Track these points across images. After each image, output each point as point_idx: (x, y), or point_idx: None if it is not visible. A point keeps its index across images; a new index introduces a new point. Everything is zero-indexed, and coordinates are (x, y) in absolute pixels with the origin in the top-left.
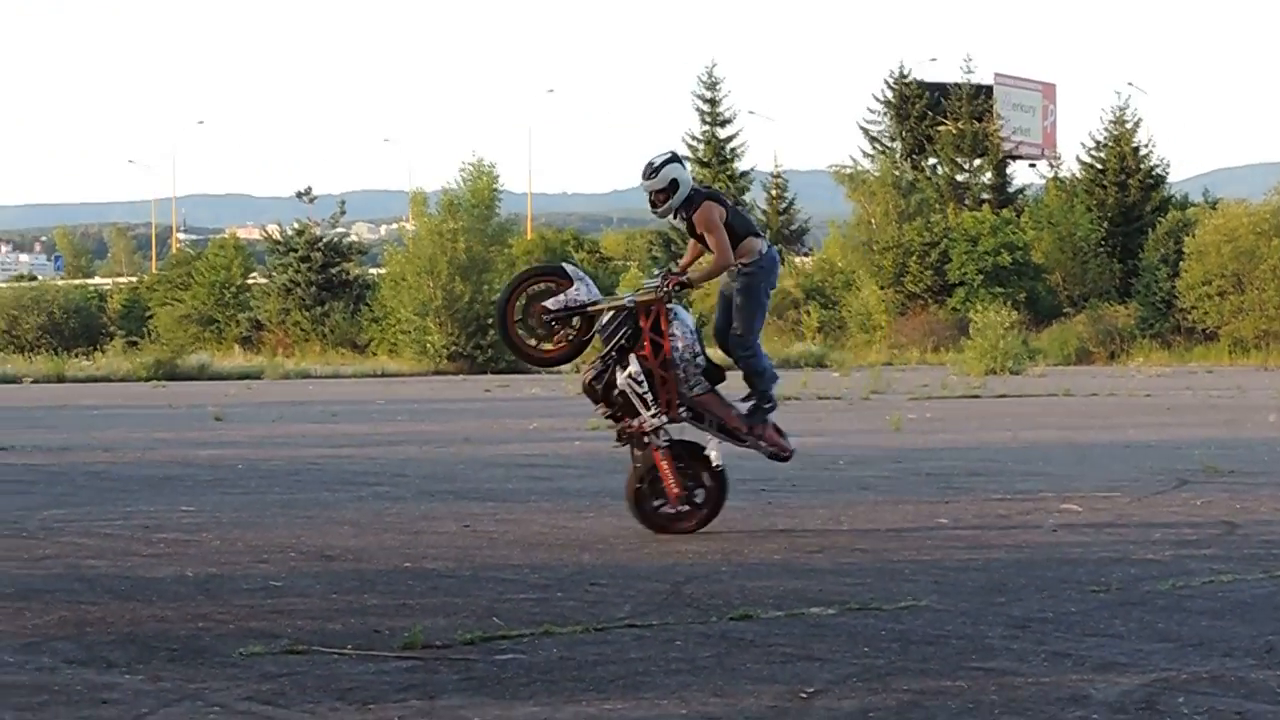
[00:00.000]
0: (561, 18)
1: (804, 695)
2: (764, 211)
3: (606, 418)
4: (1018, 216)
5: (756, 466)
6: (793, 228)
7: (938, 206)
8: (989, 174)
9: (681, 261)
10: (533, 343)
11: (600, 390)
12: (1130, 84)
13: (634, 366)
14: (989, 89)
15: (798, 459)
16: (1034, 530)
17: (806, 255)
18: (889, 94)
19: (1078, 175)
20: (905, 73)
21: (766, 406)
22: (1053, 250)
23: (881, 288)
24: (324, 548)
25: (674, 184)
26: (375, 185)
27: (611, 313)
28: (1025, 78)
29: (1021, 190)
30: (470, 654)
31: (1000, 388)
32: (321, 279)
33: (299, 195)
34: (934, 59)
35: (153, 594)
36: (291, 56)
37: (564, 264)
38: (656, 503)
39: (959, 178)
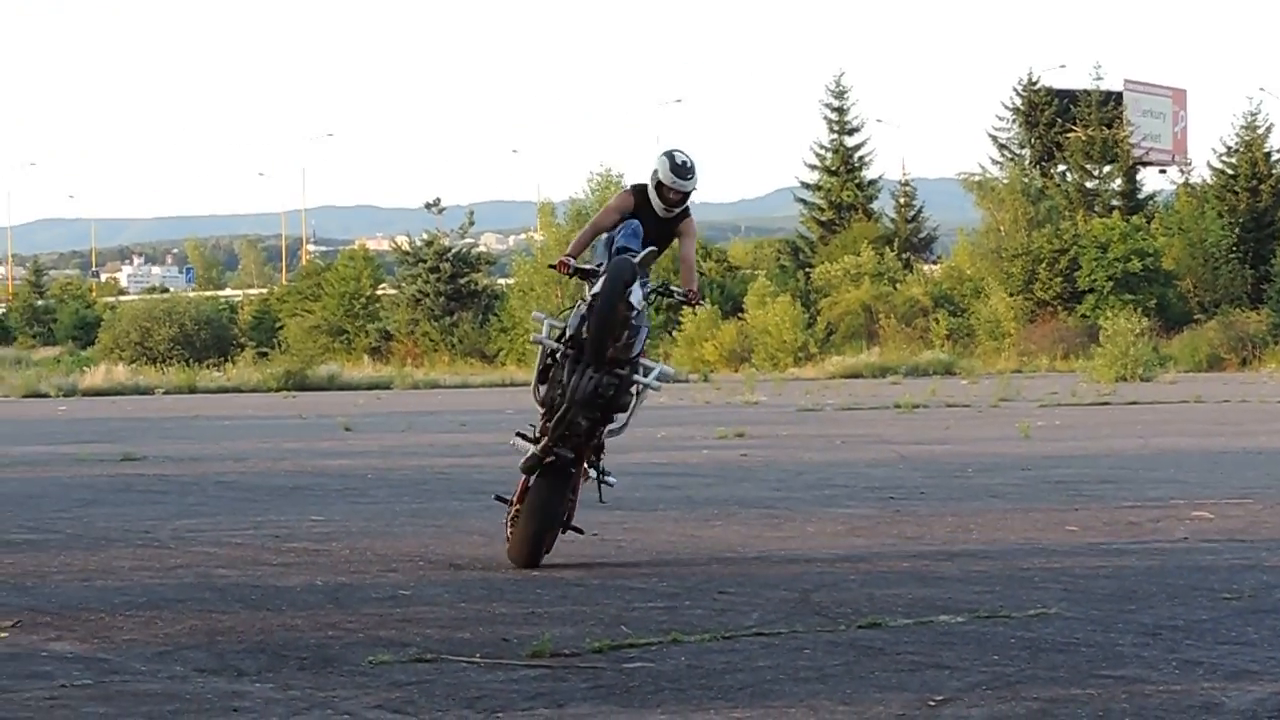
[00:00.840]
0: (690, 27)
1: (932, 703)
2: (892, 219)
3: (562, 436)
4: (1148, 223)
5: (884, 475)
6: (921, 235)
7: (1067, 213)
8: (1119, 180)
9: (572, 248)
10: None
11: (613, 400)
12: (1262, 89)
13: (660, 368)
14: (1119, 95)
15: (926, 466)
16: (1165, 537)
17: (935, 263)
18: (1018, 101)
19: (1208, 181)
20: (1034, 80)
21: None
22: (1183, 257)
23: (1010, 295)
24: (452, 557)
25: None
26: (503, 196)
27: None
28: (1155, 84)
29: (1151, 197)
30: (598, 662)
31: (1131, 395)
32: (450, 289)
33: (428, 206)
34: (1063, 65)
35: (283, 603)
36: (420, 68)
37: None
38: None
39: (1088, 184)
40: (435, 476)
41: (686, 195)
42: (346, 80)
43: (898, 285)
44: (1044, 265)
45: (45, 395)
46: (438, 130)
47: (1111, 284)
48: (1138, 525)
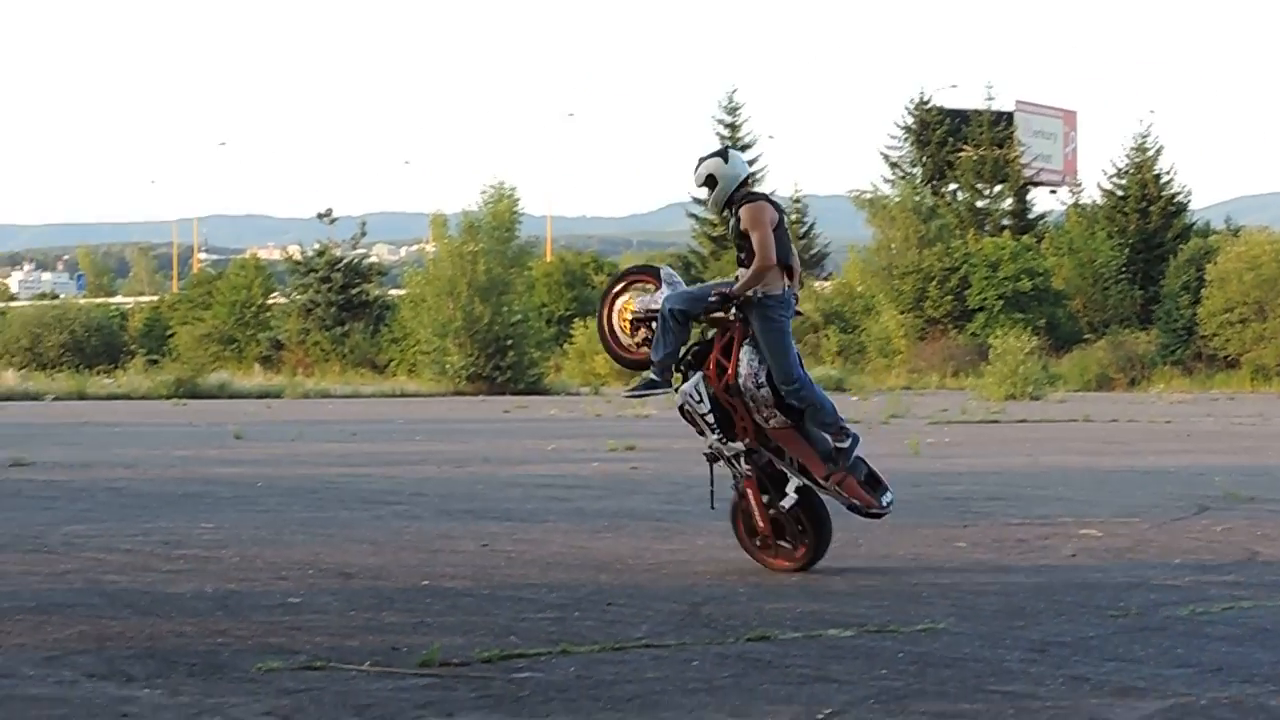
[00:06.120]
0: (582, 42)
1: (820, 717)
2: None
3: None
4: (1038, 243)
5: None
6: (812, 252)
7: (958, 232)
8: (1009, 200)
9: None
10: (625, 341)
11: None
12: (1152, 111)
13: (694, 384)
14: (1010, 115)
15: None
16: (1053, 555)
17: (826, 280)
18: (910, 120)
19: (1099, 202)
20: (926, 99)
21: (843, 445)
22: (1073, 277)
23: (901, 312)
24: (343, 565)
25: (710, 179)
26: (396, 207)
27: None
28: (1046, 104)
29: (1042, 217)
30: (488, 672)
31: (1020, 413)
32: (342, 299)
33: (320, 216)
34: (955, 85)
35: (172, 609)
36: (313, 77)
37: (661, 267)
38: (755, 538)
39: (979, 204)
40: (326, 485)
41: (704, 187)
42: (239, 88)
43: None
44: (935, 283)
45: None
46: (330, 140)
47: (1002, 303)
48: (1026, 542)
